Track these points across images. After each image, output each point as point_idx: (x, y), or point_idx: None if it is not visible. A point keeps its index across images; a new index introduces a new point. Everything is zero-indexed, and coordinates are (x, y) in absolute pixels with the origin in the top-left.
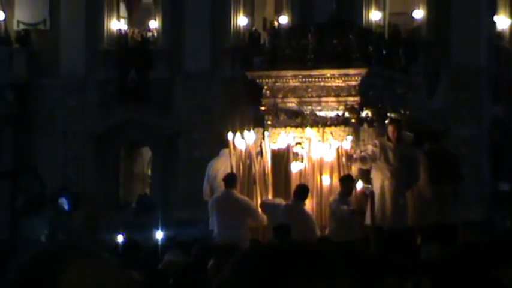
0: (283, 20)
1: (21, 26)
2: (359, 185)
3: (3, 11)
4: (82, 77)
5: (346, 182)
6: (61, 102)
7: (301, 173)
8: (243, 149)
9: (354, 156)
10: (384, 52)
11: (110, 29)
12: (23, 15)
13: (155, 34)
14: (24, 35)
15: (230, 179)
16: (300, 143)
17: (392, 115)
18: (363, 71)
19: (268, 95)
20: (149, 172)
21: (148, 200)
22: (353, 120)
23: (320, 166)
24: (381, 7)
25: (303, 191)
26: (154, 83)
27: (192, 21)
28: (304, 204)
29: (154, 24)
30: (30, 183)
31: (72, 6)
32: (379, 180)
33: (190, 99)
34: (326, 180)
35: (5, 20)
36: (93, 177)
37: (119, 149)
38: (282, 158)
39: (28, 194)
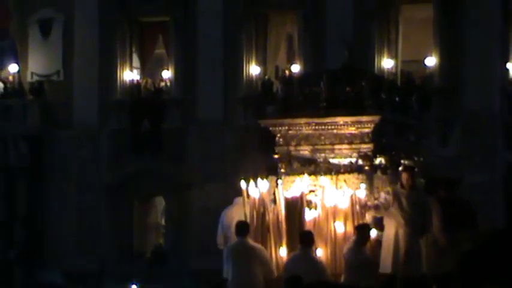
0: (296, 68)
1: (35, 77)
2: (373, 232)
3: (17, 62)
4: (95, 127)
5: (362, 230)
6: (74, 153)
7: (315, 221)
8: (257, 197)
9: (368, 204)
10: (397, 99)
11: (122, 79)
12: (36, 67)
13: (168, 84)
14: (37, 86)
15: (242, 228)
16: (313, 191)
17: (406, 162)
18: (375, 118)
19: (281, 142)
20: (163, 222)
21: (162, 250)
22: (366, 168)
23: (334, 214)
24: (393, 55)
25: (307, 237)
26: (167, 133)
27: (205, 70)
28: (312, 251)
29: (167, 74)
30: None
31: (85, 57)
32: (393, 227)
33: (203, 149)
34: (340, 228)
35: (18, 71)
36: (107, 227)
37: (132, 199)
38: (295, 206)
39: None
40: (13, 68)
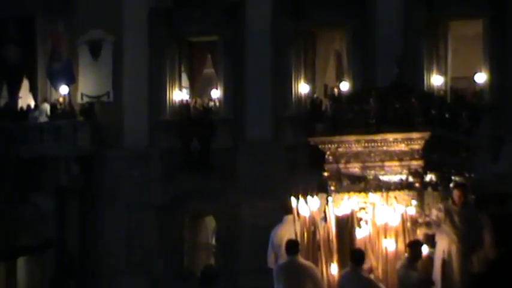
0: (345, 86)
1: (85, 99)
2: (425, 249)
3: (67, 84)
4: (145, 147)
5: (415, 247)
6: (125, 174)
7: (366, 239)
8: (307, 216)
9: (419, 220)
10: (447, 115)
11: (172, 99)
12: (86, 88)
13: (217, 103)
14: (88, 107)
15: (293, 246)
16: (363, 208)
17: (457, 179)
18: (426, 134)
19: (331, 160)
20: (213, 241)
21: (212, 270)
22: (417, 185)
23: (385, 231)
24: (443, 71)
25: (358, 256)
26: (216, 152)
27: (253, 89)
28: (362, 269)
29: (216, 93)
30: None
31: (135, 77)
32: (445, 244)
33: (253, 168)
34: (391, 246)
35: (69, 93)
36: (158, 247)
37: (182, 218)
38: (346, 224)
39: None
40: (64, 89)
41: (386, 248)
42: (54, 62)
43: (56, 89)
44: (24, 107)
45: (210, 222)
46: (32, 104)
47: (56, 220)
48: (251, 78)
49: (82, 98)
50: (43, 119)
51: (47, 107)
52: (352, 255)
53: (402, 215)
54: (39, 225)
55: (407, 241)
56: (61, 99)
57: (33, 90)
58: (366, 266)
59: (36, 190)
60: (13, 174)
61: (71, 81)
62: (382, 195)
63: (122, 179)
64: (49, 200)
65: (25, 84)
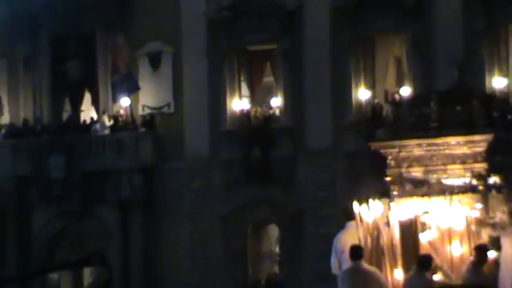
0: (405, 91)
1: (146, 110)
2: (491, 253)
3: (132, 93)
4: (207, 158)
5: (480, 251)
6: (187, 184)
7: (430, 243)
8: (370, 221)
9: (484, 223)
10: (509, 117)
11: (232, 109)
12: (147, 100)
13: (277, 112)
14: (149, 119)
15: (357, 251)
16: (427, 212)
17: None
18: (488, 136)
19: (393, 165)
20: (277, 250)
21: (277, 278)
22: (481, 187)
23: (449, 235)
24: (504, 73)
25: (424, 261)
26: (277, 161)
27: (313, 97)
28: (427, 274)
29: (276, 102)
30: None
31: (195, 88)
32: (511, 247)
33: (314, 176)
34: (456, 250)
35: (130, 105)
36: (221, 257)
37: (245, 228)
38: (409, 228)
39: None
40: (125, 101)
41: (451, 252)
42: (115, 75)
43: (118, 102)
44: (87, 120)
45: (273, 231)
46: (94, 117)
47: (120, 232)
48: (310, 86)
49: (143, 110)
50: (104, 131)
51: (108, 119)
52: (420, 260)
53: (466, 218)
54: (104, 237)
55: (472, 245)
56: (122, 112)
57: (95, 103)
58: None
59: (100, 203)
60: (77, 187)
61: (135, 89)
62: (445, 199)
63: (183, 190)
64: (112, 212)
65: (87, 97)
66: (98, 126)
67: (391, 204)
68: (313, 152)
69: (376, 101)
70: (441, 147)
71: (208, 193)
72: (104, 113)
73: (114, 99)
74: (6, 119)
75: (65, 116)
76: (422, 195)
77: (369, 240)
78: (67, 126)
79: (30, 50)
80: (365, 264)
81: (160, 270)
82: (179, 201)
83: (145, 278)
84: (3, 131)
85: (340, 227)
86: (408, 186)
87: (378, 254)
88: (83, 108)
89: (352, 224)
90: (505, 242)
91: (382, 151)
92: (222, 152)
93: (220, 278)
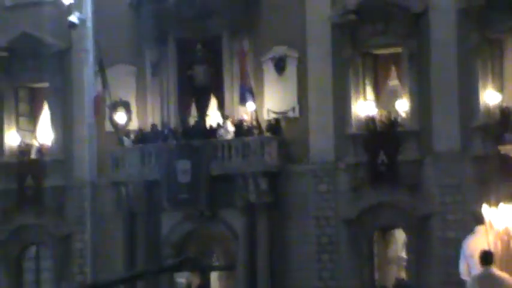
0: None
1: (271, 115)
2: None
3: (253, 101)
4: (332, 162)
5: None
6: (312, 188)
7: None
8: (500, 226)
9: None
10: None
11: (357, 113)
12: (272, 104)
13: (403, 115)
14: (274, 123)
15: (488, 257)
16: None
17: None
18: None
19: None
20: (403, 254)
21: (404, 283)
22: None
23: None
24: None
25: None
26: (403, 165)
27: (439, 100)
28: None
29: (401, 105)
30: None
31: (320, 92)
32: None
33: (441, 179)
34: None
35: (255, 109)
36: (348, 261)
37: (372, 232)
38: None
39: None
40: (250, 106)
41: None
42: (242, 80)
43: (244, 106)
44: (213, 125)
45: (400, 236)
46: (220, 121)
47: (246, 235)
48: (437, 89)
49: (268, 114)
50: (229, 136)
51: (232, 124)
52: None
53: None
54: (230, 240)
55: None
56: (246, 116)
57: (221, 108)
58: None
59: (226, 206)
60: (204, 191)
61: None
62: None
63: (309, 194)
64: (238, 216)
65: (213, 102)
66: (222, 131)
67: None
68: (441, 155)
69: (504, 104)
70: None
71: (333, 197)
72: (228, 118)
73: (242, 102)
74: (134, 124)
75: (192, 121)
76: None
77: (499, 245)
78: (193, 131)
79: (157, 56)
80: (496, 270)
81: (286, 273)
82: (304, 204)
83: (272, 280)
84: (132, 136)
85: (468, 231)
86: None
87: (508, 260)
88: (208, 113)
89: (481, 228)
90: None
91: None
92: (347, 156)
93: (347, 283)
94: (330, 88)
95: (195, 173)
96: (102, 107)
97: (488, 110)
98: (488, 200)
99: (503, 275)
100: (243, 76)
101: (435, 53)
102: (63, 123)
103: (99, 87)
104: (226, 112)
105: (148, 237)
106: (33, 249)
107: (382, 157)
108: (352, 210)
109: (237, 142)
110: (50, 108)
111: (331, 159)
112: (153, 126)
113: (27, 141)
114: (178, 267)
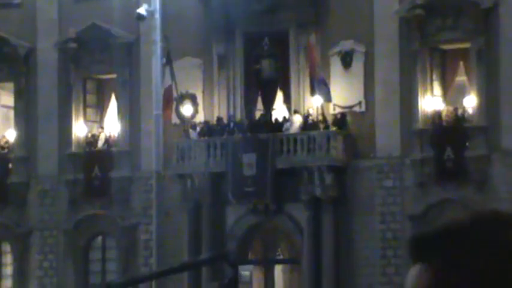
0: None
1: (337, 109)
2: None
3: (329, 92)
4: (398, 157)
5: None
6: (378, 183)
7: None
8: None
9: None
10: None
11: (424, 108)
12: (338, 99)
13: (470, 111)
14: (340, 118)
15: None
16: None
17: None
18: None
19: None
20: None
21: None
22: None
23: None
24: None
25: None
26: (470, 161)
27: (509, 96)
28: None
29: (469, 101)
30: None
31: (386, 87)
32: None
33: (509, 176)
34: None
35: (321, 104)
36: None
37: None
38: None
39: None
40: (317, 100)
41: None
42: (312, 72)
43: (321, 98)
44: (279, 118)
45: None
46: (286, 115)
47: (311, 229)
48: (506, 85)
49: (334, 109)
50: (294, 130)
51: (298, 118)
52: None
53: None
54: (295, 234)
55: None
56: (312, 110)
57: (287, 102)
58: None
59: (291, 200)
60: (269, 184)
61: (328, 99)
62: None
63: (375, 189)
64: (303, 210)
65: (279, 96)
66: (288, 124)
67: None
68: (509, 151)
69: None
70: None
71: (399, 193)
72: (295, 112)
73: (320, 93)
74: (200, 117)
75: (258, 114)
76: None
77: None
78: (259, 124)
79: (224, 49)
80: None
81: (350, 268)
82: (370, 200)
83: (336, 275)
84: (198, 128)
85: None
86: None
87: None
88: (274, 106)
89: None
90: None
91: None
92: (413, 151)
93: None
94: (396, 83)
95: (261, 167)
96: (171, 99)
97: None
98: None
99: None
100: (314, 68)
101: (504, 49)
102: (130, 114)
103: (168, 80)
104: (293, 106)
105: (213, 230)
106: (99, 239)
107: (448, 153)
108: (418, 206)
109: (302, 136)
110: (117, 99)
111: (397, 154)
112: (219, 119)
113: (95, 132)
114: (209, 262)
